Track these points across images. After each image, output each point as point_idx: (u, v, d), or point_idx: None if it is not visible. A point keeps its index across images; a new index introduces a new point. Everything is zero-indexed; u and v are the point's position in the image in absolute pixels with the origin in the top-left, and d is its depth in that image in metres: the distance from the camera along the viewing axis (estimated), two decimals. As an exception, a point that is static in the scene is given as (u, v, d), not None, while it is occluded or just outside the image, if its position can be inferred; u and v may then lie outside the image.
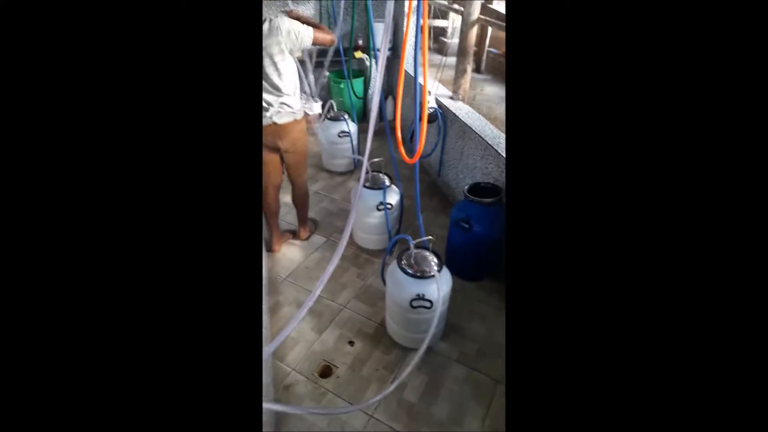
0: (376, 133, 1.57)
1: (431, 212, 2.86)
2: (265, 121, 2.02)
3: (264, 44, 1.90)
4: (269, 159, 2.18)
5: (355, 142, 3.20)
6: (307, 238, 2.61)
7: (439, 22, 4.69)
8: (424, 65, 1.36)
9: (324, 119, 3.22)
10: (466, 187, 2.20)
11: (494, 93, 3.86)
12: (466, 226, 2.08)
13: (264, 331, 1.80)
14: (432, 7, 3.99)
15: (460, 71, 2.85)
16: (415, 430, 1.61)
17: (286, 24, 1.92)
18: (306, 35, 1.97)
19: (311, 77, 3.49)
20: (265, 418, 1.48)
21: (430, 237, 1.82)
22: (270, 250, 2.48)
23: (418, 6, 1.31)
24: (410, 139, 2.94)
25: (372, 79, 3.89)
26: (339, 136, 3.13)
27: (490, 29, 4.20)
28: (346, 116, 3.19)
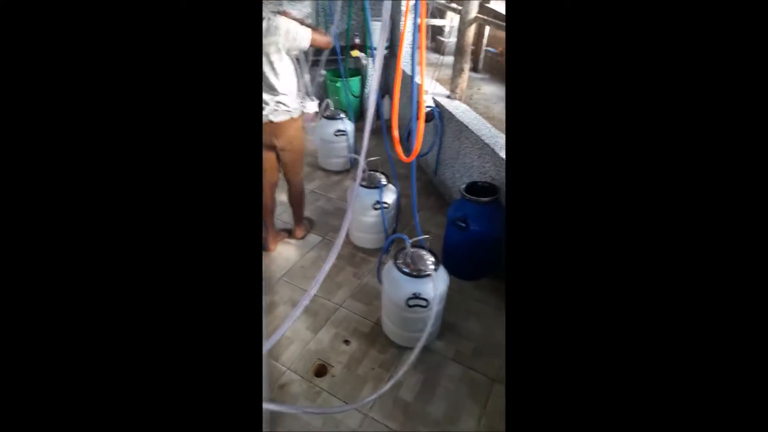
0: (372, 132, 1.56)
1: (428, 211, 2.86)
2: (262, 119, 2.02)
3: (262, 43, 1.89)
4: (265, 157, 2.17)
5: (351, 140, 3.19)
6: (303, 237, 2.60)
7: (437, 21, 4.69)
8: (421, 64, 1.35)
9: (321, 118, 3.21)
10: (463, 186, 2.20)
11: (491, 92, 3.87)
12: (463, 225, 2.08)
13: (259, 330, 1.79)
14: (429, 6, 3.99)
15: (457, 70, 2.84)
16: (410, 429, 1.60)
17: (285, 24, 1.91)
18: (304, 36, 1.97)
19: (306, 76, 3.48)
20: (260, 417, 1.47)
21: (427, 236, 1.82)
22: (265, 249, 2.47)
23: (415, 5, 1.31)
24: (407, 138, 2.93)
25: (369, 78, 3.88)
26: (335, 135, 3.12)
27: (487, 28, 4.21)
28: (343, 115, 3.18)
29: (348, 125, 3.16)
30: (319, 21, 3.75)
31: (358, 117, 3.94)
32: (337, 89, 3.77)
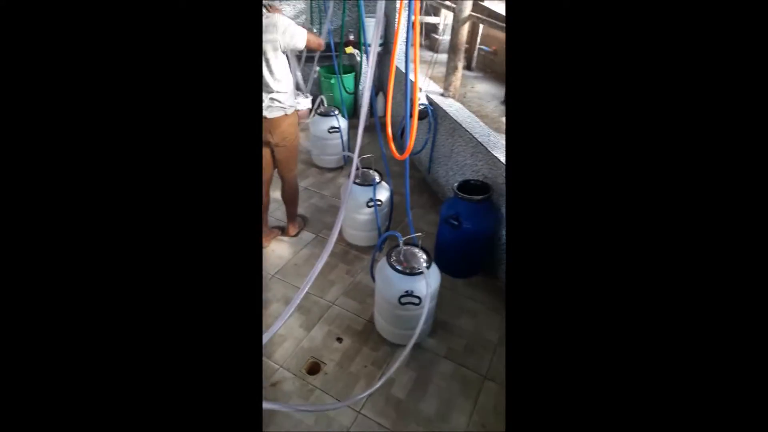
0: (366, 129, 1.56)
1: (421, 209, 2.86)
2: None
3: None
4: (258, 154, 2.16)
5: (345, 138, 3.18)
6: (296, 235, 2.59)
7: (431, 19, 4.68)
8: (415, 62, 1.35)
9: (314, 115, 3.19)
10: (456, 184, 2.20)
11: (485, 90, 3.87)
12: (456, 223, 2.09)
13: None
14: (423, 4, 3.98)
15: (451, 68, 2.85)
16: (402, 426, 1.61)
17: (283, 22, 1.91)
18: (300, 37, 1.96)
19: (299, 73, 3.46)
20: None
21: (420, 234, 1.82)
22: (258, 246, 2.45)
23: (409, 2, 1.30)
24: (401, 136, 2.93)
25: (363, 75, 3.87)
26: (329, 132, 3.11)
27: (481, 26, 4.21)
28: (337, 112, 3.17)
29: (342, 122, 3.15)
30: (314, 17, 3.73)
31: (352, 114, 3.93)
32: (331, 86, 3.76)
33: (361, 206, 2.34)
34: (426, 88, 2.99)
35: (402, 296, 1.71)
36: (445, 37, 4.09)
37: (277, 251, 2.47)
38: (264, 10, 1.91)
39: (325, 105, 3.24)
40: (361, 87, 3.91)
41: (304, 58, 3.46)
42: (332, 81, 3.71)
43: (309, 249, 2.50)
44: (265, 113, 2.03)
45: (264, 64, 1.93)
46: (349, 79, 3.84)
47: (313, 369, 1.82)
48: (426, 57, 3.83)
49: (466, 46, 3.24)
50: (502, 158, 2.15)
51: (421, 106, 2.78)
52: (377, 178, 2.39)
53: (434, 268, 1.80)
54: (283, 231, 2.59)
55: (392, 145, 1.52)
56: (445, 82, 2.92)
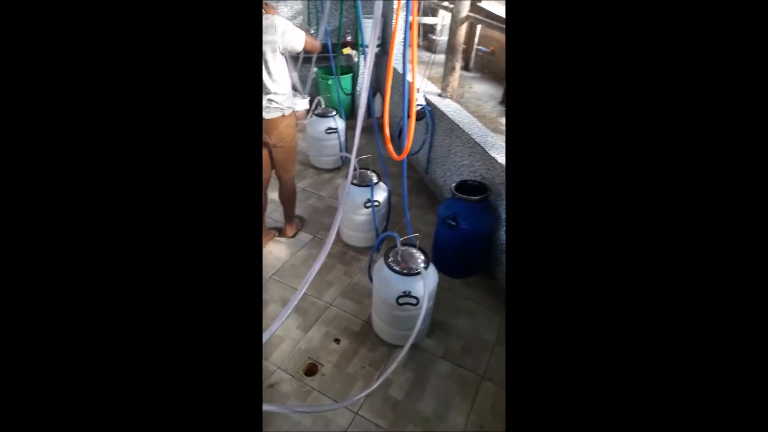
0: (364, 130, 1.56)
1: (419, 209, 2.86)
2: None
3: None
4: (256, 154, 2.16)
5: (342, 138, 3.18)
6: (294, 236, 2.59)
7: (429, 19, 4.69)
8: (412, 62, 1.35)
9: (312, 116, 3.19)
10: (454, 184, 2.20)
11: (482, 91, 3.88)
12: (453, 223, 2.09)
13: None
14: (421, 4, 3.98)
15: (448, 69, 2.85)
16: (400, 427, 1.61)
17: (282, 24, 1.91)
18: (298, 39, 1.97)
19: (295, 74, 3.46)
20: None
21: (417, 234, 1.82)
22: (256, 246, 2.45)
23: (407, 3, 1.31)
24: (398, 136, 2.93)
25: (360, 76, 3.87)
26: (326, 133, 3.11)
27: (479, 27, 4.22)
28: (334, 113, 3.16)
29: (339, 123, 3.15)
30: (311, 18, 3.72)
31: (350, 115, 3.93)
32: (329, 87, 3.75)
33: (359, 207, 2.34)
34: (423, 88, 3.00)
35: (400, 297, 1.70)
36: (442, 38, 4.09)
37: (274, 252, 2.47)
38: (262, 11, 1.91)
39: (323, 106, 3.23)
40: (358, 88, 3.91)
41: (301, 59, 3.45)
42: (330, 82, 3.70)
43: (306, 250, 2.50)
44: (263, 114, 2.03)
45: (263, 65, 1.94)
46: (346, 80, 3.84)
47: (311, 370, 1.82)
48: (424, 58, 3.84)
49: (464, 46, 3.25)
50: (500, 159, 2.15)
51: (419, 107, 2.78)
52: (375, 179, 2.39)
53: (432, 268, 1.80)
54: (281, 232, 2.59)
55: (390, 146, 1.52)
56: (443, 82, 2.92)
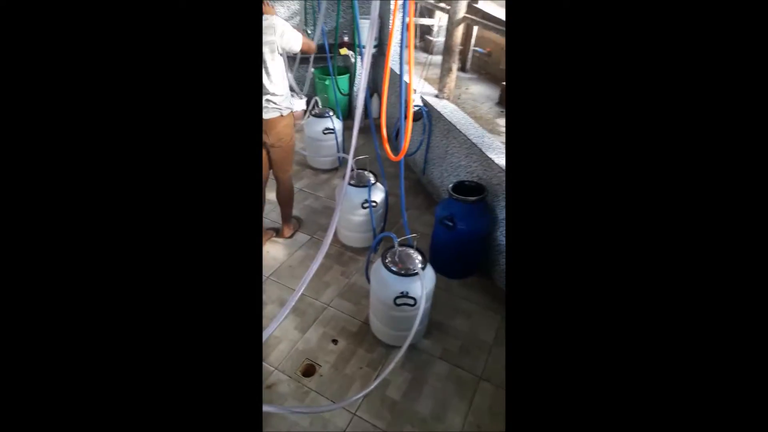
0: (361, 131, 1.56)
1: (416, 210, 2.87)
2: None
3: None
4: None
5: (340, 139, 3.18)
6: (291, 236, 2.58)
7: (425, 20, 4.70)
8: (409, 63, 1.35)
9: (309, 116, 3.19)
10: (451, 185, 2.21)
11: (479, 92, 3.89)
12: (450, 224, 2.10)
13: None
14: (418, 5, 3.99)
15: (445, 69, 2.85)
16: (398, 428, 1.61)
17: (281, 24, 1.92)
18: (296, 41, 1.98)
19: (290, 75, 3.46)
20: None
21: (415, 235, 1.83)
22: (253, 247, 2.44)
23: (404, 4, 1.31)
24: (395, 137, 2.94)
25: (357, 76, 3.87)
26: (324, 133, 3.11)
27: (475, 28, 4.23)
28: (331, 113, 3.17)
29: (336, 123, 3.15)
30: (308, 18, 3.72)
31: (347, 115, 3.93)
32: (326, 87, 3.75)
33: (356, 207, 2.34)
34: (420, 89, 3.00)
35: (397, 297, 1.71)
36: (439, 39, 4.10)
37: (271, 253, 2.47)
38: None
39: (320, 106, 3.23)
40: (355, 88, 3.91)
41: (298, 60, 3.45)
42: (327, 82, 3.70)
43: (304, 251, 2.50)
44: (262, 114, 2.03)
45: (262, 66, 1.94)
46: (343, 80, 3.84)
47: (309, 371, 1.81)
48: (420, 59, 3.84)
49: (461, 47, 3.26)
50: (497, 159, 2.16)
51: (416, 108, 2.79)
52: (372, 180, 2.39)
53: (429, 269, 1.80)
54: (278, 232, 2.59)
55: (387, 147, 1.53)
56: (440, 83, 2.93)
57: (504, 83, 3.56)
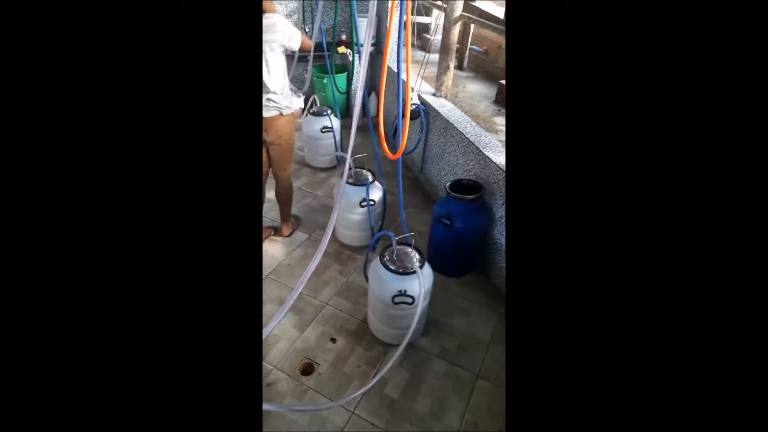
0: (359, 129, 1.56)
1: (414, 208, 2.87)
2: None
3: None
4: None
5: (338, 137, 3.18)
6: (289, 235, 2.58)
7: (422, 19, 4.69)
8: (407, 61, 1.35)
9: (307, 114, 3.19)
10: (448, 183, 2.21)
11: (476, 90, 3.89)
12: (448, 222, 2.10)
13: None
14: (415, 4, 3.98)
15: (442, 68, 2.85)
16: (396, 426, 1.62)
17: (282, 23, 1.91)
18: (297, 39, 1.99)
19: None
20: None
21: (413, 233, 1.83)
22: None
23: (401, 2, 1.31)
24: (393, 136, 2.94)
25: (355, 75, 3.87)
26: (322, 132, 3.11)
27: (472, 26, 4.23)
28: (329, 111, 3.16)
29: (334, 122, 3.15)
30: (305, 17, 3.71)
31: (345, 113, 3.92)
32: (324, 85, 3.75)
33: (354, 206, 2.34)
34: (418, 88, 3.00)
35: (395, 296, 1.71)
36: (436, 37, 4.10)
37: (270, 251, 2.47)
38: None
39: (318, 105, 3.23)
40: (353, 87, 3.91)
41: (296, 58, 3.44)
42: (325, 81, 3.70)
43: (302, 249, 2.50)
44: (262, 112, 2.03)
45: (263, 64, 1.93)
46: (341, 78, 3.84)
47: (307, 369, 1.82)
48: (418, 57, 3.84)
49: (458, 46, 3.26)
50: (494, 158, 2.16)
51: (413, 106, 2.79)
52: (370, 178, 2.39)
53: (427, 267, 1.81)
54: (276, 231, 2.58)
55: (385, 145, 1.53)
56: (437, 82, 2.93)
57: (501, 81, 3.56)
